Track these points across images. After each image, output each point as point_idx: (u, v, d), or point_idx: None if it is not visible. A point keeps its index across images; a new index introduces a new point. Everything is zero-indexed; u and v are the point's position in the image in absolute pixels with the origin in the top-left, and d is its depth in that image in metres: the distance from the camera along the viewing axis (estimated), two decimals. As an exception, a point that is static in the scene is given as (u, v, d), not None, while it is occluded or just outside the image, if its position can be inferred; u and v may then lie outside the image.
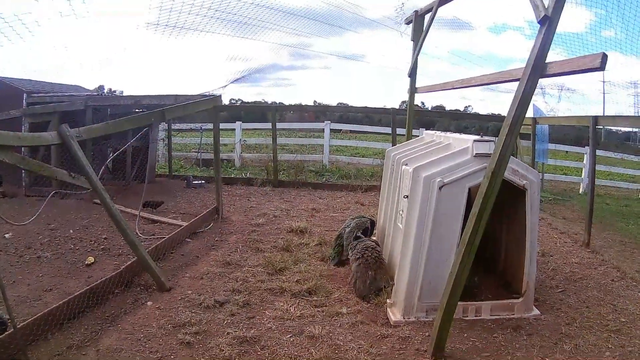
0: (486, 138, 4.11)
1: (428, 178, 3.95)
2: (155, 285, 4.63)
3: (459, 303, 3.48)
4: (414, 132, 8.99)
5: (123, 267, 4.69)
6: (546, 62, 3.00)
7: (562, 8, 2.92)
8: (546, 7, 2.93)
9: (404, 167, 4.52)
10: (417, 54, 6.97)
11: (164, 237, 5.76)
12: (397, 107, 16.84)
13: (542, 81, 4.08)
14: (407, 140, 7.00)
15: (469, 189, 3.97)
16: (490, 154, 3.48)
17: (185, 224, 6.47)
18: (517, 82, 3.15)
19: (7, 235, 5.88)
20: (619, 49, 7.53)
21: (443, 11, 6.66)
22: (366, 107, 18.08)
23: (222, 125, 11.50)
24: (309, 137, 16.88)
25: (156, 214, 7.35)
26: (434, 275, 3.96)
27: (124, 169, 9.53)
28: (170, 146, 11.95)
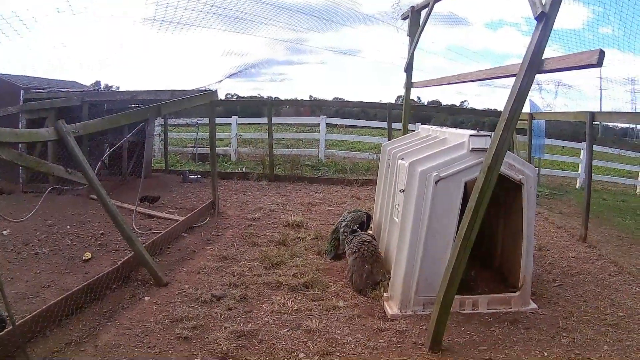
0: (482, 133, 4.12)
1: (424, 172, 3.96)
2: (153, 280, 4.64)
3: (456, 297, 3.50)
4: (410, 126, 9.00)
5: (120, 262, 4.69)
6: (543, 58, 3.01)
7: (560, 4, 2.92)
8: (543, 3, 2.93)
9: (400, 161, 4.53)
10: (414, 49, 6.97)
11: (160, 232, 5.76)
12: (393, 101, 16.79)
13: (539, 77, 4.09)
14: (403, 134, 7.00)
15: (465, 184, 3.98)
16: (487, 148, 3.49)
17: (181, 218, 6.46)
18: (514, 78, 3.15)
19: (4, 232, 5.87)
20: (616, 46, 7.55)
21: (439, 7, 6.66)
22: (362, 101, 18.04)
23: (218, 120, 11.52)
24: (305, 131, 16.85)
25: (153, 209, 7.35)
26: (431, 269, 3.98)
27: (121, 164, 9.52)
28: (167, 141, 11.93)
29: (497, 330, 3.81)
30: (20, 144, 6.95)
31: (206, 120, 9.37)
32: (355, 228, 5.37)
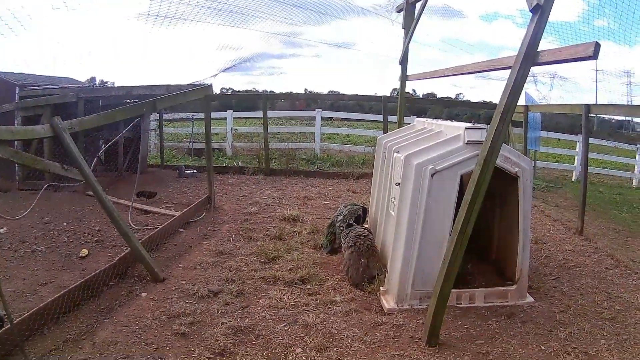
0: (478, 125, 4.11)
1: (420, 165, 3.95)
2: (149, 276, 4.63)
3: (452, 290, 3.51)
4: (406, 119, 9.01)
5: (117, 258, 4.67)
6: (538, 50, 3.00)
7: (555, -3, 2.91)
8: (538, -5, 2.92)
9: (395, 154, 4.52)
10: (409, 42, 6.95)
11: (157, 228, 5.74)
12: (388, 94, 16.83)
13: (534, 69, 4.08)
14: (398, 127, 6.99)
15: (461, 177, 3.98)
16: (482, 141, 3.48)
17: (177, 214, 6.45)
18: (509, 70, 3.14)
19: (1, 230, 5.84)
20: (612, 39, 7.56)
21: (434, -1, 6.64)
22: (357, 94, 18.04)
23: (213, 114, 11.45)
24: (301, 125, 16.83)
25: (149, 205, 7.33)
26: (427, 263, 3.98)
27: (116, 160, 9.50)
28: (162, 136, 11.87)
29: (494, 323, 3.82)
30: (16, 142, 6.94)
31: (201, 115, 9.37)
32: (352, 222, 5.37)
